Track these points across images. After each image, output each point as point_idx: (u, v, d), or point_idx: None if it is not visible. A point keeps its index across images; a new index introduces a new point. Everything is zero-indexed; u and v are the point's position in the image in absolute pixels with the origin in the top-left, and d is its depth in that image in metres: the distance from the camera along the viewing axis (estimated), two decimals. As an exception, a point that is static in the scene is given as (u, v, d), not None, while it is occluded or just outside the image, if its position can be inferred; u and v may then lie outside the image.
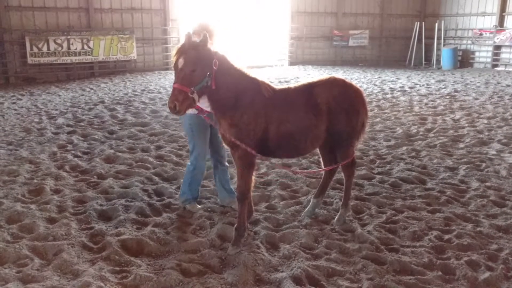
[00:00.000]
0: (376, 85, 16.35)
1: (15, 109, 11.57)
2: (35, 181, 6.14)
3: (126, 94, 13.80)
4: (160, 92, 14.15)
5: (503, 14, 22.40)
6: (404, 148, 8.02)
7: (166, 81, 16.94)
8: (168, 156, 7.37)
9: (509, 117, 10.64)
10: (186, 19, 21.09)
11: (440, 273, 4.00)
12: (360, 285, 3.78)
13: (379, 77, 18.68)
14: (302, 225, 4.88)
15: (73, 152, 7.49)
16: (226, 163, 5.40)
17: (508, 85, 16.05)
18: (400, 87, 15.78)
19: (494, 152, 7.80)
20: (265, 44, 23.64)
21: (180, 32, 20.68)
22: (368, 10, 25.22)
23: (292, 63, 23.46)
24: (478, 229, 4.87)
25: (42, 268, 3.94)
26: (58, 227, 4.68)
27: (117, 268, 3.98)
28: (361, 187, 6.11)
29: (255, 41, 23.41)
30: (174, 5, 20.40)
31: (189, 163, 5.26)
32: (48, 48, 17.19)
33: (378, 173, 6.70)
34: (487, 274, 3.96)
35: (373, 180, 6.38)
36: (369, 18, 25.24)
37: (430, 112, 11.31)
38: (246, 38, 22.81)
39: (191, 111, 4.34)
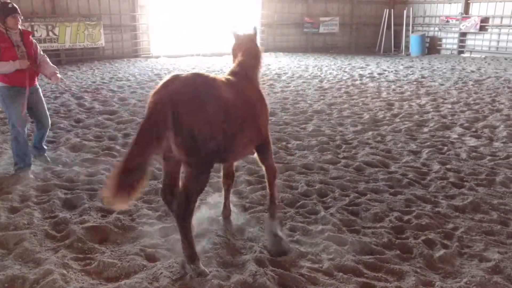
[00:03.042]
0: (346, 71, 16.53)
1: (-23, 98, 11.20)
2: (-3, 171, 6.01)
3: (94, 82, 13.56)
4: (128, 80, 13.95)
5: (468, 1, 22.90)
6: (370, 133, 8.19)
7: (135, 68, 16.69)
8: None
9: (472, 102, 10.96)
10: (155, 5, 20.77)
11: (398, 252, 4.15)
12: (321, 265, 3.89)
13: (349, 64, 18.89)
14: (266, 210, 4.95)
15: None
16: (44, 130, 6.20)
17: (473, 71, 16.49)
18: (369, 73, 16.02)
19: (456, 136, 8.06)
20: (236, 30, 23.46)
21: (149, 18, 20.35)
22: (338, -4, 25.39)
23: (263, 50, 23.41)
24: (437, 209, 5.06)
25: (2, 258, 3.89)
26: (20, 217, 4.62)
27: (81, 256, 3.97)
28: (326, 171, 6.23)
29: (226, 27, 23.23)
30: (143, -9, 20.05)
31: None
32: (12, 35, 16.65)
33: (344, 158, 6.83)
34: (442, 251, 4.13)
35: (338, 165, 6.51)
36: (339, 5, 25.39)
37: (397, 98, 11.54)
38: (217, 25, 22.60)
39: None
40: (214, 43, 22.65)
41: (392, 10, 24.74)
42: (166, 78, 3.55)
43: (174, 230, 4.40)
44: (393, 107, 10.48)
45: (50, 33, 17.25)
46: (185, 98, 3.34)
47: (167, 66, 17.59)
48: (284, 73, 15.90)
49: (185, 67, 17.54)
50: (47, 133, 6.47)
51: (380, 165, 6.52)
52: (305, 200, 5.25)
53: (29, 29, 16.70)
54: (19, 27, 5.66)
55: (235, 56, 4.51)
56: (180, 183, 3.62)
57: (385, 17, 24.60)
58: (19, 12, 5.64)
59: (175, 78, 3.50)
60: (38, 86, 6.06)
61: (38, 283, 3.50)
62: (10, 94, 5.64)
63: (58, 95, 11.29)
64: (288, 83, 13.90)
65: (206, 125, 3.36)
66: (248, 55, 4.33)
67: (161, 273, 3.65)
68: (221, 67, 17.60)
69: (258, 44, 4.55)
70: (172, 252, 4.06)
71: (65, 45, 17.77)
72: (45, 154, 6.39)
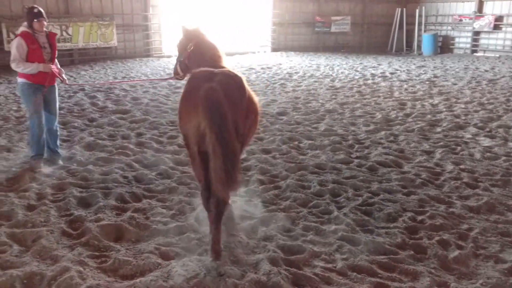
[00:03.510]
0: (357, 71, 16.47)
1: (-8, 97, 11.38)
2: (13, 169, 6.10)
3: (107, 81, 13.68)
4: (141, 79, 14.04)
5: (482, 0, 22.65)
6: (383, 132, 8.16)
7: (147, 68, 16.80)
8: (149, 143, 7.37)
9: (486, 102, 10.86)
10: (167, 5, 20.88)
11: (412, 252, 4.14)
12: (334, 265, 3.89)
13: (360, 63, 18.81)
14: (280, 209, 4.97)
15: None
16: (56, 129, 6.47)
17: (486, 71, 16.33)
18: (381, 73, 15.94)
19: (469, 136, 7.99)
20: (247, 30, 23.54)
21: (161, 18, 20.48)
22: (349, -5, 25.29)
23: (274, 49, 23.45)
24: (451, 210, 5.03)
25: (21, 254, 3.96)
26: (37, 214, 4.69)
27: (96, 253, 4.03)
28: (339, 171, 6.22)
29: (237, 28, 23.28)
30: (155, -9, 20.16)
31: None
32: (26, 35, 16.85)
33: (356, 157, 6.82)
34: (456, 252, 4.11)
35: (351, 164, 6.50)
36: (351, 4, 25.28)
37: (409, 98, 11.47)
38: (228, 25, 22.67)
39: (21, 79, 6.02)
40: (225, 42, 22.69)
41: (404, 9, 24.58)
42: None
43: (188, 229, 4.46)
44: (406, 107, 10.42)
45: (64, 33, 17.42)
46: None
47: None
48: (295, 72, 15.88)
49: (197, 66, 17.59)
50: (59, 134, 6.67)
51: (393, 165, 6.49)
52: (318, 200, 5.26)
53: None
54: (45, 29, 6.09)
55: (181, 49, 4.84)
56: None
57: (397, 16, 24.46)
58: (44, 16, 6.00)
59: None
60: (55, 85, 6.39)
61: (55, 280, 3.55)
62: (30, 91, 6.09)
63: (71, 94, 11.43)
64: (300, 82, 13.89)
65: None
66: (204, 48, 4.60)
67: (176, 271, 3.69)
68: (232, 66, 17.62)
69: (209, 38, 4.72)
70: (186, 251, 4.09)
71: (78, 45, 17.93)
72: (60, 161, 6.42)
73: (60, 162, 6.35)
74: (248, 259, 3.95)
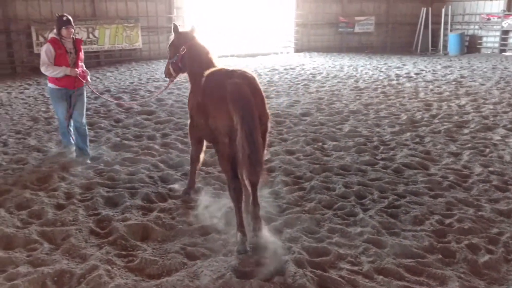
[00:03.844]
0: (382, 71, 16.29)
1: (22, 99, 11.70)
2: (43, 169, 6.25)
3: (132, 83, 13.88)
4: (165, 81, 14.16)
5: (511, -2, 22.11)
6: (408, 134, 8.04)
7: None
8: (174, 143, 7.45)
9: (515, 103, 10.59)
10: (191, 7, 21.06)
11: (440, 256, 4.07)
12: (361, 268, 3.86)
13: (385, 64, 18.59)
14: (305, 210, 4.95)
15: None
16: (84, 129, 6.74)
17: (515, 71, 15.92)
18: (406, 73, 15.73)
19: (498, 138, 7.81)
20: (270, 31, 23.54)
21: (185, 20, 20.67)
22: (374, -5, 25.03)
23: (297, 50, 23.38)
24: (480, 213, 4.92)
25: (51, 252, 4.05)
26: (66, 213, 4.79)
27: (124, 252, 4.09)
28: (364, 172, 6.16)
29: (260, 28, 23.32)
30: (179, -7, 20.36)
31: None
32: (54, 38, 17.25)
33: (382, 159, 6.74)
34: (487, 257, 4.02)
35: (376, 166, 6.43)
36: (375, 4, 25.03)
37: (435, 98, 11.28)
38: (251, 25, 22.73)
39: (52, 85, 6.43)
40: (248, 43, 22.77)
41: (430, 8, 24.18)
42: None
43: (213, 229, 4.49)
44: (432, 108, 10.25)
45: (91, 35, 17.76)
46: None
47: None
48: (318, 73, 15.80)
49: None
50: (88, 134, 6.93)
51: (419, 167, 6.39)
52: (343, 201, 5.22)
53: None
54: (72, 36, 6.44)
55: (174, 51, 5.12)
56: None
57: (422, 16, 24.07)
58: (72, 24, 6.38)
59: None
60: (83, 88, 6.64)
61: (84, 278, 3.62)
62: (58, 95, 6.49)
63: (98, 95, 11.62)
64: (323, 83, 13.81)
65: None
66: (196, 51, 4.90)
67: (202, 271, 3.71)
68: (255, 67, 17.66)
69: (202, 41, 5.03)
70: (211, 251, 4.12)
71: (104, 46, 18.25)
72: (88, 160, 6.63)
73: (88, 161, 6.56)
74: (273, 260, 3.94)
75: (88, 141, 6.91)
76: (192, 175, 5.35)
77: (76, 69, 6.36)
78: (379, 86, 13.21)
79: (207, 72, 4.44)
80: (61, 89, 6.43)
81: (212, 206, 5.02)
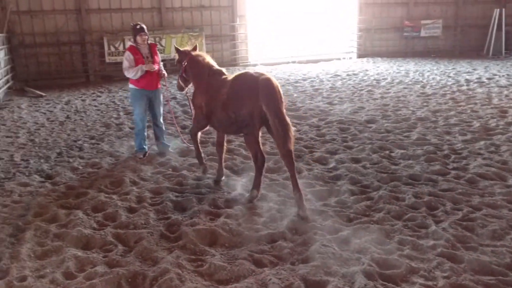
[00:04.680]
0: (450, 76, 15.61)
1: (95, 106, 12.36)
2: (115, 173, 6.55)
3: (196, 90, 14.22)
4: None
5: None
6: (482, 142, 7.62)
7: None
8: (237, 150, 7.54)
9: None
10: (253, 15, 21.35)
11: (523, 275, 3.80)
12: (435, 283, 3.69)
13: (453, 68, 17.81)
14: (373, 221, 4.82)
15: (148, 146, 7.85)
16: (161, 125, 7.51)
17: None
18: (477, 78, 14.95)
19: None
20: (332, 37, 23.34)
21: (247, 28, 20.99)
22: (441, -2, 24.09)
23: (360, 55, 22.98)
24: None
25: (125, 254, 4.22)
26: (138, 217, 4.98)
27: (193, 257, 4.17)
28: (435, 182, 5.90)
29: (322, 34, 23.18)
30: (242, 1, 20.68)
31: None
32: (124, 47, 18.10)
33: (453, 169, 6.43)
34: None
35: (447, 176, 6.14)
36: (442, 7, 24.09)
37: (511, 105, 10.62)
38: (313, 31, 22.64)
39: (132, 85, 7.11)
40: (310, 50, 22.69)
41: (504, 9, 22.87)
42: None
43: (280, 237, 4.48)
44: (507, 115, 9.64)
45: (158, 44, 18.47)
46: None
47: (264, 74, 17.90)
48: (383, 79, 15.42)
49: (281, 74, 17.74)
50: (165, 129, 7.75)
51: (496, 178, 6.02)
52: (413, 212, 5.02)
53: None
54: (146, 43, 7.13)
55: (179, 66, 6.23)
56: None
57: (495, 17, 22.83)
58: (146, 31, 7.08)
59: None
60: (159, 89, 7.41)
61: (156, 281, 3.74)
62: (137, 95, 7.14)
63: (165, 102, 12.02)
64: (388, 89, 13.45)
65: None
66: (195, 61, 5.98)
67: (270, 279, 3.71)
68: (317, 73, 17.54)
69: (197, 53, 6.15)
70: (279, 259, 4.11)
71: (171, 55, 18.88)
72: (169, 149, 7.50)
73: (171, 150, 7.43)
74: (342, 271, 3.87)
75: (165, 135, 7.61)
76: (199, 157, 6.22)
77: (151, 64, 6.98)
78: (448, 92, 12.65)
79: (234, 75, 5.50)
80: (140, 89, 7.07)
81: (278, 213, 5.02)
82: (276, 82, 5.09)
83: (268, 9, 22.03)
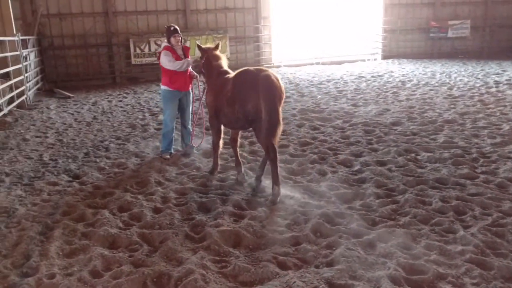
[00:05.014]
0: (478, 78, 15.28)
1: (121, 107, 12.56)
2: (141, 173, 6.63)
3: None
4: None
5: None
6: (512, 146, 7.43)
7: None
8: (261, 151, 7.50)
9: None
10: (277, 16, 21.34)
11: (557, 283, 3.68)
12: (464, 289, 3.60)
13: (482, 70, 17.43)
14: (399, 225, 4.75)
15: (173, 146, 7.92)
16: (189, 127, 7.66)
17: None
18: (506, 80, 14.59)
19: None
20: (357, 38, 23.14)
21: (271, 29, 20.99)
22: (470, -2, 23.62)
23: (385, 57, 22.74)
24: None
25: (150, 254, 4.27)
26: (163, 217, 5.03)
27: (217, 258, 4.19)
28: (463, 186, 5.78)
29: (346, 35, 23.01)
30: (266, 3, 20.71)
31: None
32: (149, 49, 18.37)
33: (482, 173, 6.28)
34: None
35: (476, 180, 6.00)
36: (470, 7, 23.63)
37: (542, 107, 10.33)
38: (337, 32, 22.49)
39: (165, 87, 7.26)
40: (334, 51, 22.54)
41: (535, 9, 22.30)
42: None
43: (304, 240, 4.45)
44: (539, 118, 9.39)
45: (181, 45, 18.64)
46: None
47: (287, 76, 17.91)
48: (408, 80, 15.20)
49: (305, 75, 17.68)
50: (191, 131, 7.77)
51: (528, 183, 5.86)
52: (440, 217, 4.92)
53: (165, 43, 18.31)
54: (180, 44, 7.35)
55: (200, 61, 6.60)
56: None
57: (525, 17, 22.25)
58: (179, 32, 7.30)
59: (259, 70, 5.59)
60: (190, 91, 7.57)
61: (181, 281, 3.76)
62: (170, 96, 7.28)
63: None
64: (414, 90, 13.25)
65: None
66: (211, 59, 6.36)
67: (294, 282, 3.69)
68: (341, 75, 17.41)
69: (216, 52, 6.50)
70: (303, 262, 4.08)
71: (195, 57, 19.04)
72: (193, 150, 7.64)
73: (195, 152, 7.58)
74: (367, 275, 3.82)
75: (190, 136, 7.69)
76: (216, 159, 6.51)
77: (189, 59, 7.25)
78: (476, 94, 12.38)
79: (235, 72, 5.80)
80: (174, 91, 7.23)
81: (302, 216, 5.00)
82: (276, 78, 5.35)
83: (292, 11, 21.98)
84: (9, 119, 10.79)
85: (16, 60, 12.67)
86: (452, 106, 10.87)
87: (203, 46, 6.53)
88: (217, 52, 6.45)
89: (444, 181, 5.99)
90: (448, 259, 4.08)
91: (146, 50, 18.36)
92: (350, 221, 4.85)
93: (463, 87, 13.61)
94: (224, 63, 6.33)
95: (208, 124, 7.04)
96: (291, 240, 4.48)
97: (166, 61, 7.07)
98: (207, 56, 6.37)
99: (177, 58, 7.17)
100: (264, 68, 5.64)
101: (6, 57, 11.80)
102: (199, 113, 7.95)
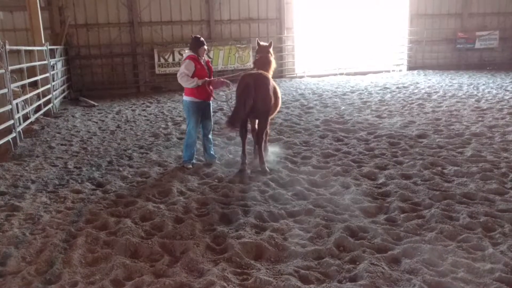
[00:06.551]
0: (507, 90, 14.93)
1: (144, 116, 12.70)
2: (163, 182, 6.66)
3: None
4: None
5: None
6: (544, 161, 7.18)
7: (280, 88, 17.19)
8: (283, 162, 7.49)
9: None
10: (301, 27, 21.35)
11: None
12: (493, 310, 3.47)
13: (511, 82, 17.02)
14: (425, 240, 4.62)
15: (196, 156, 7.93)
16: (210, 136, 7.76)
17: None
18: (537, 92, 14.21)
19: None
20: (382, 48, 22.95)
21: (294, 40, 21.00)
22: (498, 9, 23.20)
23: (411, 68, 22.47)
24: None
25: (171, 264, 4.25)
26: (184, 227, 5.01)
27: (238, 270, 4.14)
28: (492, 202, 5.60)
29: (371, 46, 22.85)
30: (290, 14, 20.77)
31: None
32: (173, 59, 18.59)
33: (512, 188, 6.08)
34: None
35: (506, 196, 5.81)
36: (499, 18, 23.19)
37: None
38: (362, 43, 22.36)
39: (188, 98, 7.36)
40: (359, 61, 22.40)
41: None
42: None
43: (327, 254, 4.37)
44: None
45: (206, 56, 18.81)
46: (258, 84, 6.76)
47: (310, 86, 17.86)
48: (434, 92, 14.95)
49: (328, 86, 17.59)
50: (212, 141, 7.95)
51: (560, 199, 5.64)
52: (468, 233, 4.77)
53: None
54: (205, 55, 7.55)
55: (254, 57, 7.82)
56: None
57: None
58: (205, 44, 7.43)
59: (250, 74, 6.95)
60: (211, 102, 7.67)
61: (202, 293, 3.72)
62: (194, 107, 7.30)
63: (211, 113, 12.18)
64: (440, 102, 13.01)
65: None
66: (263, 59, 7.42)
67: (316, 297, 3.61)
68: (365, 86, 17.26)
69: (271, 51, 7.56)
70: (326, 276, 4.00)
71: (218, 67, 19.20)
72: (216, 160, 7.71)
73: (217, 162, 7.65)
74: (392, 293, 3.72)
75: (212, 145, 7.84)
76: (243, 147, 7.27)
77: (206, 79, 7.27)
78: (505, 106, 12.07)
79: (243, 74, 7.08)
80: (198, 102, 7.28)
81: (325, 229, 4.92)
82: (265, 80, 6.79)
83: (316, 21, 21.97)
84: (35, 126, 11.03)
85: (44, 69, 12.99)
86: (480, 119, 10.62)
87: (261, 43, 7.49)
88: (266, 55, 7.41)
89: (472, 196, 5.82)
90: (476, 277, 3.94)
91: (170, 60, 18.58)
92: (374, 235, 4.75)
93: (491, 99, 13.31)
94: (262, 65, 7.29)
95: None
96: (313, 254, 4.41)
97: (181, 71, 7.13)
98: (261, 54, 7.38)
99: (203, 68, 7.26)
100: (258, 72, 6.95)
101: (34, 66, 12.11)
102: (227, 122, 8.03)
